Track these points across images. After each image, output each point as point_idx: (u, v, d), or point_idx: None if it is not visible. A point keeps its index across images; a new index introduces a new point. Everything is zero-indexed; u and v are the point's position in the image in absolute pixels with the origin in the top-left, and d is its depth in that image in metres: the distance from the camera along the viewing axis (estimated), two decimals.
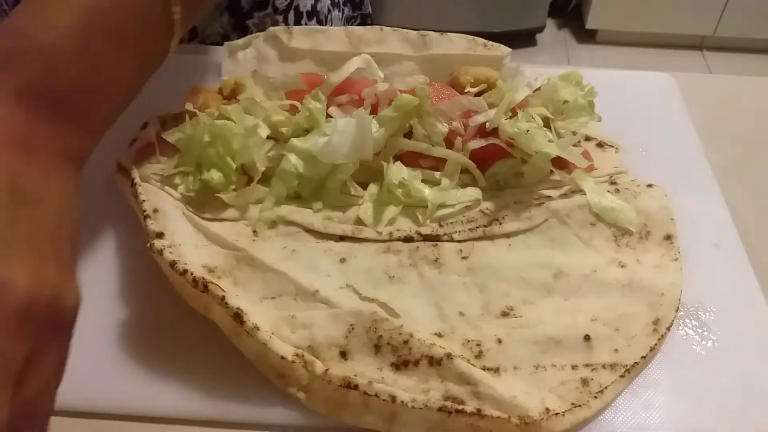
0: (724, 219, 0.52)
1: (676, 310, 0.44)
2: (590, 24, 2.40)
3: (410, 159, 0.51)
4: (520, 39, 2.42)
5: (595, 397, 0.40)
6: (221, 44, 0.73)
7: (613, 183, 0.52)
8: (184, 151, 0.49)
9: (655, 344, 0.42)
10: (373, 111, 0.52)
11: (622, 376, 0.41)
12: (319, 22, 0.78)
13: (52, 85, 0.35)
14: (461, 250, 0.47)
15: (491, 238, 0.48)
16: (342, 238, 0.48)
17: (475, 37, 0.60)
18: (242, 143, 0.48)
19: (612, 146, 0.56)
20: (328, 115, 0.51)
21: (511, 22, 2.34)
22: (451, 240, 0.48)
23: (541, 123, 0.50)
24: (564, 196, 0.50)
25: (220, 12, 0.72)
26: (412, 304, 0.44)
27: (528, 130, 0.48)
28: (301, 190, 0.50)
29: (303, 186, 0.50)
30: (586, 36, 2.48)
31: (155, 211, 0.47)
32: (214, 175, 0.47)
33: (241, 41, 0.62)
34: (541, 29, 2.43)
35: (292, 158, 0.49)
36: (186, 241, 0.46)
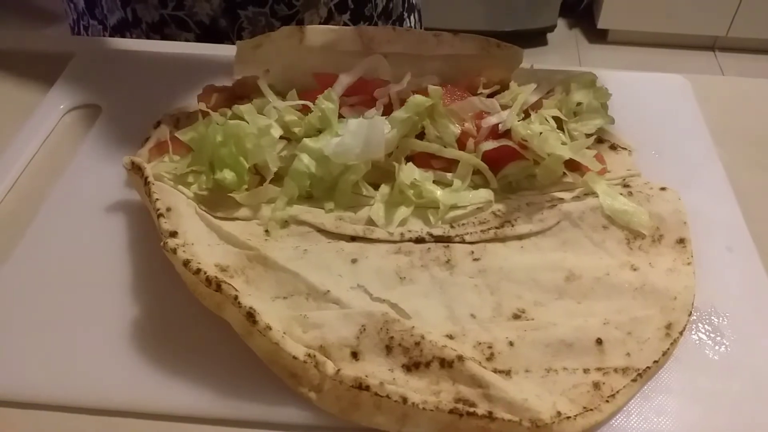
0: (737, 222, 0.51)
1: (689, 314, 0.44)
2: (602, 24, 2.39)
3: (422, 160, 0.51)
4: (531, 38, 2.41)
5: (607, 401, 0.40)
6: (208, 24, 0.73)
7: (626, 186, 0.51)
8: (197, 150, 0.50)
9: (668, 348, 0.42)
10: (386, 111, 0.52)
11: (634, 381, 0.40)
12: None
13: None
14: (473, 252, 0.47)
15: (503, 239, 0.48)
16: (353, 239, 0.48)
17: (489, 38, 0.59)
18: (255, 143, 0.48)
19: (625, 148, 0.55)
20: (341, 115, 0.51)
21: (522, 21, 2.33)
22: (463, 241, 0.48)
23: (555, 125, 0.50)
24: (577, 198, 0.50)
25: None
26: (423, 305, 0.44)
27: (541, 133, 0.48)
28: (313, 190, 0.50)
29: (315, 186, 0.50)
30: (598, 36, 2.47)
31: (168, 209, 0.47)
32: (227, 175, 0.47)
33: (253, 40, 0.62)
34: (552, 29, 2.42)
35: (305, 158, 0.49)
36: (199, 240, 0.46)
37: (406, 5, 0.85)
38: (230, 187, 0.48)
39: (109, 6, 0.76)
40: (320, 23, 0.75)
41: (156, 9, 0.73)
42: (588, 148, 0.50)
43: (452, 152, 0.50)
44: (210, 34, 0.74)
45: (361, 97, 0.52)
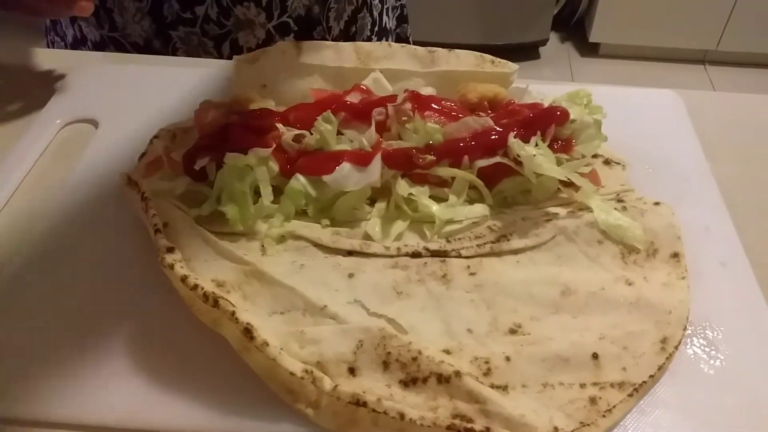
0: (730, 237, 0.52)
1: (684, 329, 0.44)
2: (593, 37, 2.41)
3: (418, 175, 0.51)
4: (524, 52, 2.43)
5: (604, 415, 0.40)
6: (142, 47, 0.73)
7: (620, 200, 0.52)
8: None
9: (663, 363, 0.42)
10: (381, 127, 0.52)
11: (630, 395, 0.41)
12: None
13: None
14: (469, 266, 0.48)
15: (499, 254, 0.49)
16: (350, 253, 0.48)
17: (483, 54, 0.60)
18: (251, 173, 0.48)
19: (619, 163, 0.56)
20: (340, 132, 0.51)
21: (514, 35, 2.35)
22: (459, 256, 0.48)
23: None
24: (571, 213, 0.51)
25: (141, 16, 0.72)
26: (420, 320, 0.44)
27: (534, 155, 0.48)
28: (309, 209, 0.50)
29: (310, 204, 0.50)
30: (589, 49, 2.50)
31: (165, 225, 0.47)
32: (231, 210, 0.48)
33: (250, 55, 0.62)
34: (544, 42, 2.45)
35: (301, 178, 0.49)
36: (196, 256, 0.46)
37: (375, 29, 0.84)
38: (230, 222, 0.48)
39: (65, 22, 0.77)
40: (258, 45, 0.75)
41: (96, 29, 0.74)
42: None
43: (448, 171, 0.50)
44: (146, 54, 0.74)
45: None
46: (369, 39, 0.83)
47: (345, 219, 0.50)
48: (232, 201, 0.48)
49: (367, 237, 0.49)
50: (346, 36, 0.80)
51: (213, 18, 0.72)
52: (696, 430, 0.40)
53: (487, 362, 0.42)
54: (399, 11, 0.90)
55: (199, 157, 0.50)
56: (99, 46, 0.75)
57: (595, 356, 0.42)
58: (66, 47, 0.79)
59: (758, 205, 0.56)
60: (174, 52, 0.75)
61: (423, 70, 0.60)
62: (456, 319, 0.44)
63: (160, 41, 0.74)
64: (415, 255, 0.48)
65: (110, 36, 0.74)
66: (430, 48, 0.60)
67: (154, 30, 0.73)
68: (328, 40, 0.77)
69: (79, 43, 0.77)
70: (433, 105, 0.53)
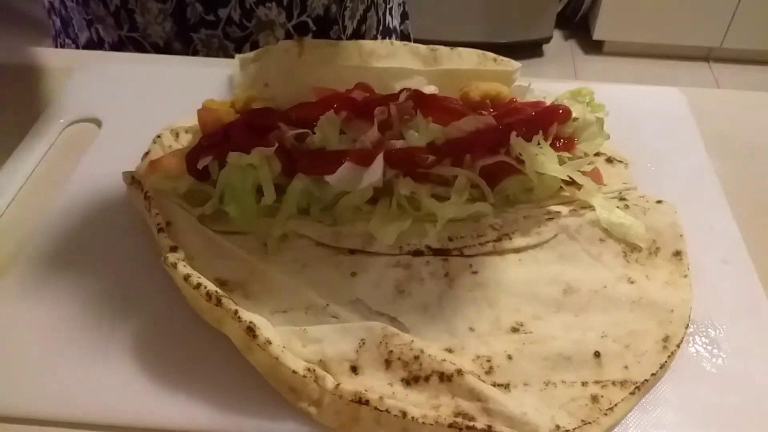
0: (733, 235, 0.52)
1: (686, 327, 0.44)
2: (597, 35, 2.41)
3: (420, 174, 0.51)
4: (527, 50, 2.43)
5: (605, 414, 0.40)
6: (162, 47, 0.73)
7: (622, 199, 0.52)
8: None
9: (665, 361, 0.42)
10: (383, 126, 0.52)
11: (632, 393, 0.41)
12: None
13: None
14: (471, 265, 0.48)
15: (501, 253, 0.49)
16: (352, 252, 0.48)
17: (485, 52, 0.60)
18: (253, 173, 0.48)
19: (621, 161, 0.56)
20: (342, 132, 0.51)
21: (518, 33, 2.35)
22: (461, 254, 0.48)
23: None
24: (574, 211, 0.51)
25: (163, 17, 0.72)
26: (422, 318, 0.45)
27: (536, 154, 0.48)
28: (311, 208, 0.50)
29: (312, 204, 0.50)
30: (593, 47, 2.49)
31: (168, 224, 0.47)
32: (234, 209, 0.48)
33: (252, 54, 0.62)
34: (547, 40, 2.44)
35: (304, 177, 0.49)
36: (198, 255, 0.46)
37: (380, 28, 0.84)
38: (233, 221, 0.48)
39: (79, 25, 0.77)
40: None
41: (114, 30, 0.74)
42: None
43: (450, 170, 0.50)
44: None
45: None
46: (375, 38, 0.83)
47: (347, 218, 0.50)
48: (235, 200, 0.48)
49: (369, 236, 0.49)
50: (357, 35, 0.80)
51: (236, 20, 0.72)
52: (697, 428, 0.40)
53: (489, 361, 0.42)
54: (400, 8, 0.90)
55: (202, 157, 0.50)
56: (116, 47, 0.75)
57: (597, 354, 0.42)
58: (78, 49, 0.79)
59: (761, 203, 0.56)
60: (194, 55, 0.74)
61: (425, 68, 0.60)
62: (458, 317, 0.45)
63: (180, 43, 0.74)
64: (417, 253, 0.48)
65: (129, 36, 0.74)
66: (432, 46, 0.60)
67: (176, 32, 0.73)
68: (342, 39, 0.77)
69: (95, 47, 0.77)
70: (435, 103, 0.53)
